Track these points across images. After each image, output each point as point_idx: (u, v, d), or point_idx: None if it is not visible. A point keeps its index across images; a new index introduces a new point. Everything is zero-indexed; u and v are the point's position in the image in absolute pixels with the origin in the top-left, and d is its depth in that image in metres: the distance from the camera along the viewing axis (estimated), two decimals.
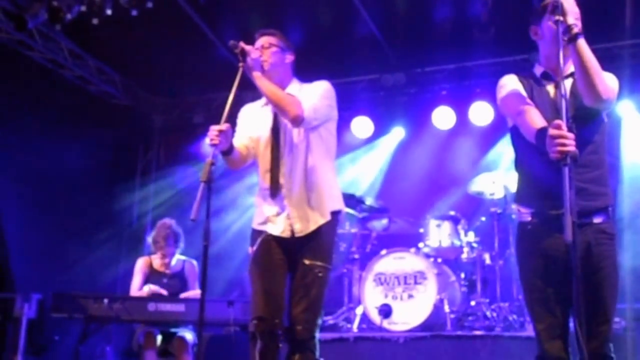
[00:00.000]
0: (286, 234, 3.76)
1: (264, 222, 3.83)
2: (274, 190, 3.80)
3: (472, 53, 8.07)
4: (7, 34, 7.42)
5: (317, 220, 3.75)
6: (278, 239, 3.77)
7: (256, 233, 3.85)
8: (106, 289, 7.79)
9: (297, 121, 3.70)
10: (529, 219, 3.20)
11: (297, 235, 3.74)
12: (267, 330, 3.63)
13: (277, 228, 3.78)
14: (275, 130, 3.88)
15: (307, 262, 3.68)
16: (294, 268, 3.74)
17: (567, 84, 3.13)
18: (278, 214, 3.79)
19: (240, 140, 3.93)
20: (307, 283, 3.66)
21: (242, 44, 3.69)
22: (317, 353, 3.68)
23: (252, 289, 3.74)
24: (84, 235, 8.18)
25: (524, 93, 3.26)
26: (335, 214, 3.83)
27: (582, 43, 2.96)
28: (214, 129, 3.51)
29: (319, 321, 3.68)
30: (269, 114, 3.93)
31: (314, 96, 3.82)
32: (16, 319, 5.64)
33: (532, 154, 3.14)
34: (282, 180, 3.80)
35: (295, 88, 3.94)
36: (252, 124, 3.99)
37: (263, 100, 4.01)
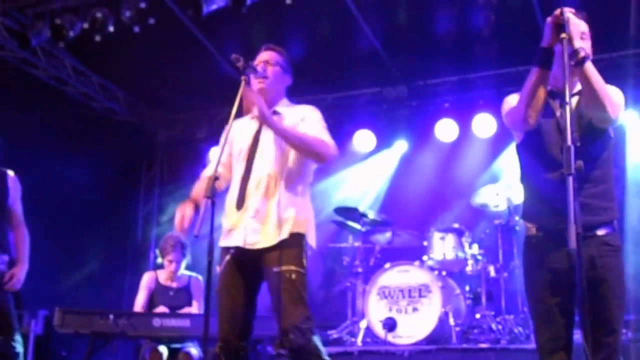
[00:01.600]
0: (239, 244, 3.69)
1: (226, 235, 3.79)
2: (240, 201, 3.75)
3: (474, 65, 8.08)
4: (11, 52, 7.47)
5: (274, 238, 3.67)
6: (241, 256, 3.71)
7: (222, 251, 3.79)
8: (111, 305, 7.79)
9: (329, 161, 3.76)
10: (534, 232, 3.21)
11: (248, 247, 3.68)
12: (232, 352, 3.63)
13: (235, 239, 3.72)
14: (255, 143, 3.86)
15: (275, 269, 3.60)
16: (267, 280, 3.68)
17: (574, 101, 3.13)
18: (237, 225, 3.73)
19: (222, 168, 3.91)
20: (282, 290, 3.58)
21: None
22: (323, 353, 3.63)
23: (218, 311, 3.70)
24: (89, 251, 8.19)
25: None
26: (298, 235, 3.72)
27: (588, 67, 2.95)
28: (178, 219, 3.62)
29: (310, 323, 3.60)
30: (254, 127, 3.92)
31: (323, 129, 3.83)
32: (24, 335, 5.65)
33: (537, 168, 3.16)
34: (248, 193, 3.75)
35: (284, 106, 3.97)
36: (235, 139, 3.98)
37: (254, 113, 4.01)
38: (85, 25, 6.63)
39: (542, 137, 3.16)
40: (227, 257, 3.74)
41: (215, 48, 7.64)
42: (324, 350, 3.64)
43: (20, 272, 4.27)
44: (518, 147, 3.38)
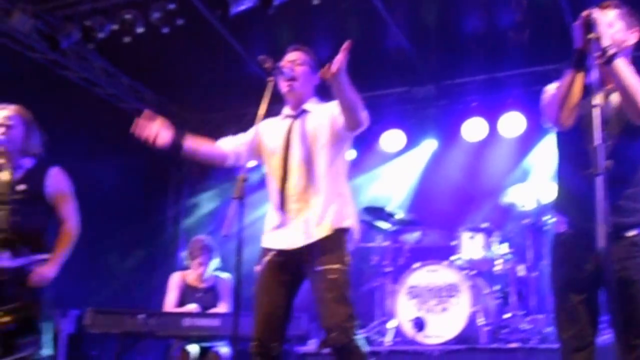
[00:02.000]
0: (288, 246, 3.73)
1: (269, 236, 3.83)
2: (281, 203, 3.79)
3: (502, 63, 8.01)
4: (42, 54, 7.57)
5: (317, 235, 3.70)
6: (282, 257, 3.74)
7: (263, 251, 3.83)
8: (140, 305, 7.85)
9: (360, 126, 3.73)
10: (565, 228, 3.19)
11: (295, 247, 3.70)
12: (264, 353, 3.65)
13: (277, 241, 3.77)
14: (287, 143, 3.87)
15: (319, 268, 3.62)
16: (311, 280, 3.69)
17: (614, 97, 3.10)
18: (282, 226, 3.77)
19: (231, 141, 4.03)
20: (325, 289, 3.60)
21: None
22: (366, 352, 3.64)
23: (254, 311, 3.73)
24: (119, 251, 8.27)
25: None
26: (343, 230, 3.75)
27: (619, 64, 2.91)
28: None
29: (354, 322, 3.60)
30: (285, 127, 3.94)
31: None
32: (55, 335, 5.71)
33: (572, 164, 3.12)
34: (288, 195, 3.78)
35: (314, 104, 3.98)
36: (265, 136, 4.00)
37: (284, 113, 4.03)
38: (115, 27, 6.69)
39: (581, 132, 3.07)
40: (268, 258, 3.77)
41: (243, 48, 7.67)
42: (366, 349, 3.65)
43: (44, 270, 4.20)
44: (558, 136, 3.31)
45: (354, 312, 3.64)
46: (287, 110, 4.03)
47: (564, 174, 3.28)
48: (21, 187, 4.26)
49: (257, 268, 3.82)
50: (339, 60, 3.43)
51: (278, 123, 4.02)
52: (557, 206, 3.30)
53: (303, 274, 3.74)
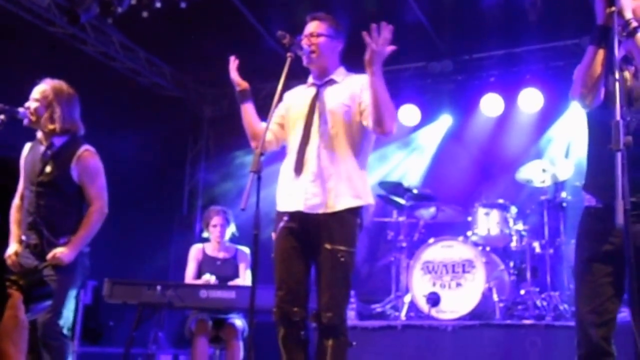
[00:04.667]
0: (299, 208, 3.72)
1: (284, 200, 3.83)
2: (298, 166, 3.79)
3: (521, 39, 7.96)
4: (61, 28, 7.61)
5: (332, 205, 3.70)
6: (295, 223, 3.74)
7: (278, 216, 3.84)
8: (158, 276, 7.94)
9: (387, 135, 3.71)
10: (594, 203, 3.15)
11: (307, 211, 3.71)
12: (286, 318, 3.69)
13: (293, 203, 3.76)
14: (311, 109, 3.87)
15: (328, 246, 3.64)
16: (317, 253, 3.71)
17: None
18: (296, 189, 3.77)
19: (271, 129, 3.97)
20: (331, 268, 3.64)
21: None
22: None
23: (274, 277, 3.76)
24: (137, 224, 8.34)
25: None
26: (353, 210, 3.74)
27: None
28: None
29: (347, 305, 3.69)
30: (310, 94, 3.94)
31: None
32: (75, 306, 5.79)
33: (600, 139, 3.06)
34: (307, 158, 3.78)
35: (341, 75, 3.97)
36: (291, 104, 4.00)
37: (310, 81, 4.03)
38: (133, 1, 6.69)
39: (608, 109, 2.95)
40: (282, 224, 3.78)
41: (261, 23, 7.67)
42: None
43: (61, 253, 4.16)
44: (588, 115, 3.26)
45: (350, 293, 3.73)
46: (312, 79, 4.03)
47: (593, 150, 3.22)
48: (48, 168, 4.25)
49: (274, 235, 3.85)
50: (374, 48, 3.50)
51: (303, 92, 4.02)
52: (586, 183, 3.26)
53: (313, 246, 3.74)
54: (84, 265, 4.29)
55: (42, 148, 4.33)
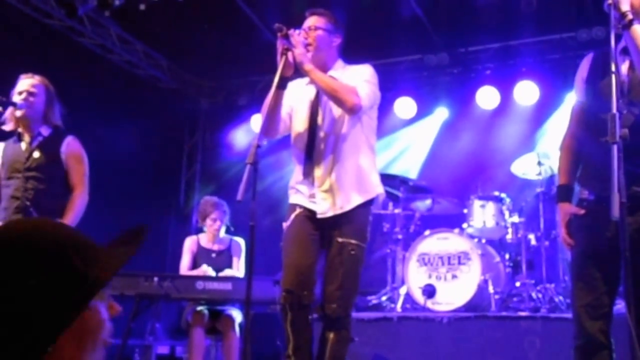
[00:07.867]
0: (315, 209, 3.79)
1: (296, 194, 3.89)
2: (307, 169, 3.83)
3: (516, 32, 7.97)
4: (59, 21, 7.61)
5: (344, 205, 3.76)
6: (310, 213, 3.81)
7: (290, 208, 3.88)
8: (155, 268, 7.95)
9: (355, 110, 3.72)
10: (586, 196, 3.17)
11: (319, 216, 3.77)
12: (296, 302, 3.69)
13: (305, 202, 3.83)
14: (314, 110, 3.90)
15: (340, 239, 3.70)
16: (328, 246, 3.76)
17: None
18: (306, 191, 3.83)
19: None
20: (340, 261, 3.68)
21: (290, 33, 3.71)
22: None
23: (283, 263, 3.79)
24: (133, 215, 8.34)
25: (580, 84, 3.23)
26: (364, 204, 3.80)
27: (636, 29, 2.86)
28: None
29: (354, 299, 3.73)
30: (311, 92, 3.95)
31: (364, 82, 3.81)
32: None
33: (594, 132, 3.04)
34: (315, 160, 3.82)
35: (340, 68, 3.98)
36: (293, 101, 4.01)
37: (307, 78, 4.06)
38: None
39: (603, 99, 2.93)
40: (296, 212, 3.83)
41: (257, 15, 7.67)
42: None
43: None
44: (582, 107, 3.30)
45: (357, 291, 3.77)
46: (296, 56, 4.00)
47: (586, 143, 3.23)
48: (36, 154, 4.35)
49: (285, 224, 3.88)
50: (296, 55, 3.62)
51: (304, 89, 4.02)
52: (580, 176, 3.27)
53: (325, 238, 3.79)
54: None
55: (26, 141, 4.44)
